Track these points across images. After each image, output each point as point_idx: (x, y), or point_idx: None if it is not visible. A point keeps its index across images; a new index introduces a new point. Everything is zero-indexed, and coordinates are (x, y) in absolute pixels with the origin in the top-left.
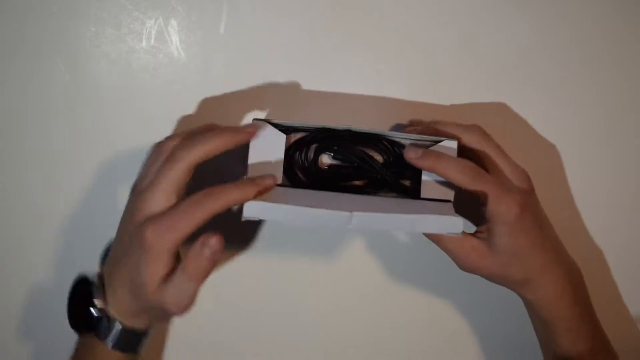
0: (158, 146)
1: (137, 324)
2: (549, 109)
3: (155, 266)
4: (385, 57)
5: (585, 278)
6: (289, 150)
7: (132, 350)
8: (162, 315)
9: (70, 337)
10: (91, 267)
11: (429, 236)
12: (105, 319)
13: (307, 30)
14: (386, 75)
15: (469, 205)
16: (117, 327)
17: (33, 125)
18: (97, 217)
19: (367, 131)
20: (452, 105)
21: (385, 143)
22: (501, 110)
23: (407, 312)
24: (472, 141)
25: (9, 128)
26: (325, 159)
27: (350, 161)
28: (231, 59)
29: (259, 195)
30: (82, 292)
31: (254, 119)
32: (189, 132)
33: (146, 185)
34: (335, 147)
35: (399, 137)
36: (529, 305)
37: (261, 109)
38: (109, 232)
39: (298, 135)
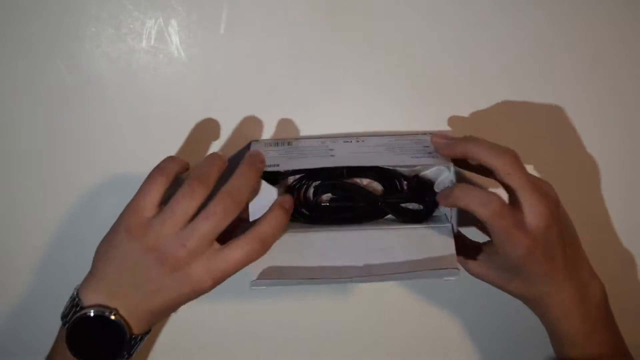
0: (188, 180)
1: (143, 329)
2: (558, 116)
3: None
4: (386, 57)
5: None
6: (291, 190)
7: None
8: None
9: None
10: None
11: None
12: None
13: (307, 30)
14: (386, 75)
15: None
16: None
17: (33, 125)
18: (96, 217)
19: (363, 165)
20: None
21: (381, 173)
22: (504, 111)
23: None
24: (500, 171)
25: (8, 128)
26: (327, 194)
27: (349, 197)
28: (231, 59)
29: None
30: (97, 331)
31: (252, 141)
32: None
33: (189, 235)
34: (331, 184)
35: (393, 165)
36: (539, 316)
37: (261, 110)
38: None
39: (297, 175)
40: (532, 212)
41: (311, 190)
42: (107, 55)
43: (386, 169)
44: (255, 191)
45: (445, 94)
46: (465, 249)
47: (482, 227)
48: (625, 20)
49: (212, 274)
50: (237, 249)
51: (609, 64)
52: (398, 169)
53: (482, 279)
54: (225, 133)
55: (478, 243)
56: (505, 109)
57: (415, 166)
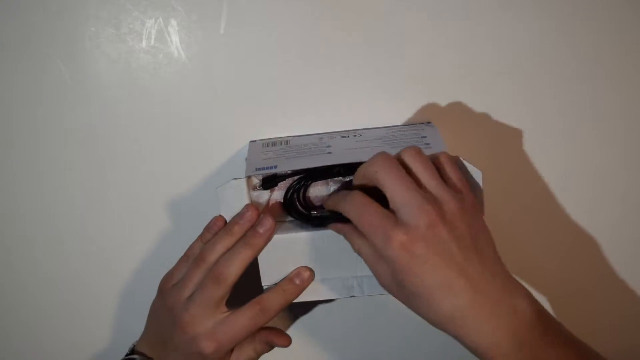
0: (196, 256)
1: None
2: (557, 113)
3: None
4: (386, 57)
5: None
6: (287, 192)
7: None
8: None
9: None
10: (85, 266)
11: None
12: None
13: (307, 30)
14: (387, 75)
15: None
16: None
17: (33, 125)
18: (96, 217)
19: (360, 161)
20: (455, 104)
21: None
22: (503, 109)
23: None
24: (369, 170)
25: (8, 128)
26: (323, 192)
27: None
28: (231, 59)
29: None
30: None
31: (250, 142)
32: (218, 233)
33: (192, 301)
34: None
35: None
36: (464, 345)
37: (261, 109)
38: (107, 233)
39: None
40: (405, 210)
41: (311, 191)
42: (107, 55)
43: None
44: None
45: (444, 92)
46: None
47: None
48: (626, 20)
49: (215, 337)
50: (241, 315)
51: (609, 61)
52: None
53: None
54: (225, 133)
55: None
56: (504, 106)
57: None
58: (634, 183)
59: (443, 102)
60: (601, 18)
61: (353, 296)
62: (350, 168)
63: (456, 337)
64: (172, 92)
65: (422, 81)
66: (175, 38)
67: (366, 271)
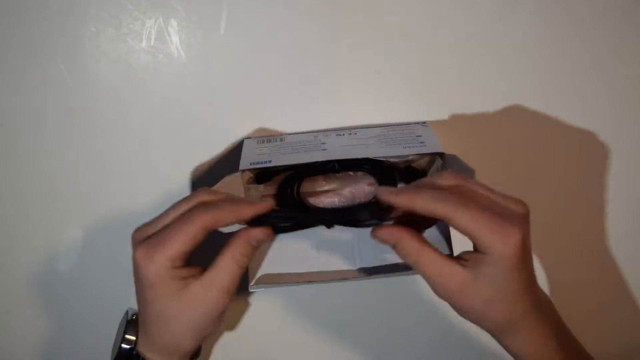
0: (173, 206)
1: None
2: (551, 111)
3: (158, 290)
4: (386, 57)
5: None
6: (280, 187)
7: None
8: (205, 329)
9: None
10: (86, 265)
11: (379, 240)
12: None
13: (307, 30)
14: (387, 75)
15: None
16: None
17: (33, 125)
18: (96, 217)
19: (354, 157)
20: (455, 114)
21: (372, 164)
22: (501, 108)
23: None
24: (448, 184)
25: (8, 128)
26: (316, 188)
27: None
28: (231, 59)
29: (254, 216)
30: (124, 330)
31: (244, 138)
32: (206, 193)
33: (152, 234)
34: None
35: (385, 156)
36: (507, 350)
37: (261, 109)
38: (106, 233)
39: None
40: (508, 200)
41: (304, 186)
42: (107, 55)
43: (378, 160)
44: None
45: (443, 92)
46: (440, 268)
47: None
48: (626, 20)
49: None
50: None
51: (608, 63)
52: (390, 159)
53: (460, 304)
54: (225, 133)
55: (453, 259)
56: (503, 106)
57: (407, 156)
58: (633, 182)
59: (439, 102)
60: (601, 18)
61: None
62: (345, 164)
63: (501, 340)
64: (172, 92)
65: (419, 81)
66: (175, 38)
67: (359, 261)
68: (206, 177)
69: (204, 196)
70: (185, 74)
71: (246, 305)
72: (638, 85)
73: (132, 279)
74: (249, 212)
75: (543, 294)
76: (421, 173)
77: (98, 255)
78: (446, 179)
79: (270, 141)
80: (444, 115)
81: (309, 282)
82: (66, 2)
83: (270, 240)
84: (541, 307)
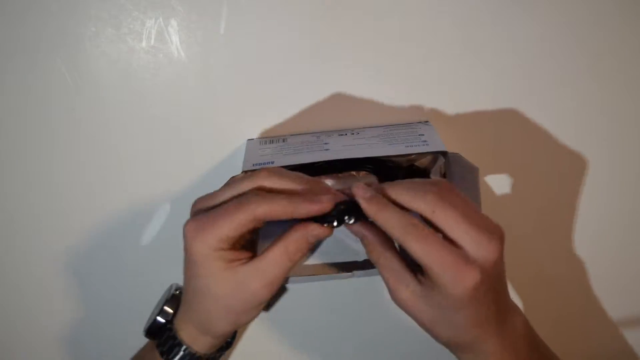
0: (234, 180)
1: (203, 347)
2: (553, 106)
3: (200, 268)
4: (386, 57)
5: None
6: None
7: None
8: (246, 314)
9: None
10: (86, 266)
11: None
12: (170, 337)
13: (308, 30)
14: (387, 75)
15: None
16: (182, 351)
17: (33, 125)
18: (95, 217)
19: (356, 157)
20: (458, 114)
21: (375, 164)
22: (508, 108)
23: None
24: (425, 211)
25: (8, 128)
26: None
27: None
28: (231, 59)
29: (311, 216)
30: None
31: (248, 140)
32: (268, 176)
33: (206, 208)
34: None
35: (387, 156)
36: None
37: (261, 109)
38: (107, 232)
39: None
40: (477, 242)
41: None
42: (107, 55)
43: (381, 159)
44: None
45: (443, 92)
46: (396, 277)
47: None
48: (626, 20)
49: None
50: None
51: (609, 64)
52: (393, 159)
53: (410, 315)
54: (225, 133)
55: (409, 271)
56: (502, 106)
57: (410, 155)
58: (633, 178)
59: (441, 100)
60: (603, 16)
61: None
62: (348, 164)
63: (459, 354)
64: (172, 92)
65: (420, 80)
66: (175, 38)
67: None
68: (208, 178)
69: (265, 180)
70: (185, 74)
71: None
72: (636, 85)
73: (133, 275)
74: (304, 211)
75: (513, 317)
76: (424, 172)
77: (98, 254)
78: (425, 208)
79: (272, 142)
80: (446, 115)
81: (313, 275)
82: (66, 2)
83: (328, 236)
84: (503, 333)
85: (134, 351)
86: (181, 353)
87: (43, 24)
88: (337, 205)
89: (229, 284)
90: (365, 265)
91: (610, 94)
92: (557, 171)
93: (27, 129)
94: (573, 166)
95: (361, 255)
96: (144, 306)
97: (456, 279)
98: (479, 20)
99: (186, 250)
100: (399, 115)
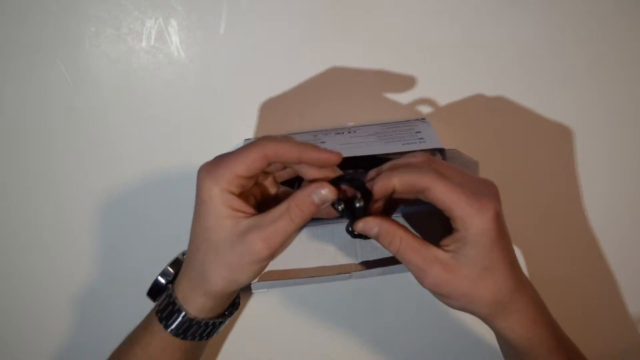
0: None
1: (198, 308)
2: (550, 105)
3: (207, 207)
4: (386, 57)
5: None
6: (283, 183)
7: (195, 338)
8: (242, 270)
9: None
10: (87, 265)
11: (364, 232)
12: (169, 300)
13: (307, 30)
14: (387, 75)
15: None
16: (180, 317)
17: (33, 125)
18: (96, 216)
19: (353, 155)
20: (454, 103)
21: (372, 162)
22: (502, 106)
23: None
24: (420, 160)
25: (8, 128)
26: None
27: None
28: (231, 59)
29: (320, 163)
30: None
31: (245, 140)
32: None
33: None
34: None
35: (384, 154)
36: (500, 334)
37: (261, 109)
38: (109, 231)
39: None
40: (481, 183)
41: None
42: (107, 55)
43: (378, 157)
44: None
45: (444, 92)
46: (424, 255)
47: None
48: (626, 20)
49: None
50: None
51: (608, 63)
52: (390, 157)
53: (447, 290)
54: (225, 133)
55: (434, 246)
56: (502, 106)
57: (407, 153)
58: (629, 177)
59: (438, 98)
60: (601, 16)
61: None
62: (345, 162)
63: (492, 324)
64: (172, 92)
65: (422, 81)
66: (175, 38)
67: (361, 256)
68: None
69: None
70: (185, 74)
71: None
72: (635, 85)
73: (136, 275)
74: (313, 156)
75: (523, 274)
76: None
77: (96, 254)
78: (418, 157)
79: None
80: (443, 112)
81: (312, 277)
82: (66, 2)
83: (334, 199)
84: (525, 286)
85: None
86: (180, 319)
87: (43, 24)
88: (342, 180)
89: (229, 232)
90: (363, 266)
91: (610, 94)
92: (556, 166)
93: (27, 128)
94: (571, 162)
95: (359, 257)
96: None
97: (483, 212)
98: (478, 20)
99: (197, 190)
100: (397, 113)
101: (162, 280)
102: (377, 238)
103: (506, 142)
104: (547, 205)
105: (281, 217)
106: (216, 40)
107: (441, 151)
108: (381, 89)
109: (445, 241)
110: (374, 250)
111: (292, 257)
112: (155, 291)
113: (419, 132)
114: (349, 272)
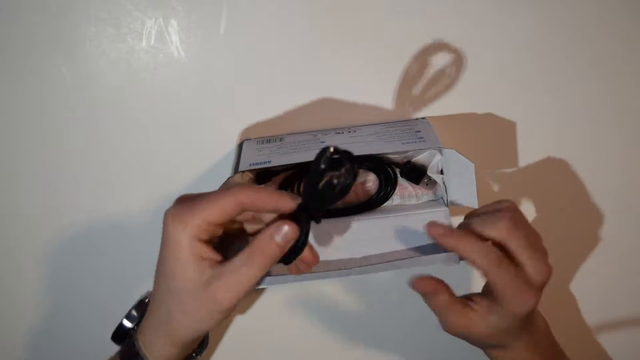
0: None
1: (162, 355)
2: (550, 110)
3: (174, 251)
4: (386, 57)
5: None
6: (280, 187)
7: None
8: (206, 320)
9: None
10: (85, 266)
11: (418, 290)
12: (131, 345)
13: (307, 31)
14: (386, 75)
15: None
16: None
17: (33, 126)
18: (94, 216)
19: (355, 154)
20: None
21: (372, 161)
22: (502, 110)
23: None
24: (497, 236)
25: (8, 128)
26: None
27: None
28: (231, 59)
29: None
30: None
31: (245, 140)
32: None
33: (189, 199)
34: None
35: (384, 153)
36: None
37: (261, 109)
38: (106, 232)
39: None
40: (535, 270)
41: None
42: (107, 55)
43: (378, 157)
44: None
45: (443, 90)
46: (455, 308)
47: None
48: (626, 20)
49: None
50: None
51: (608, 64)
52: (389, 156)
53: (466, 338)
54: (225, 133)
55: (464, 300)
56: (503, 108)
57: (407, 152)
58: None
59: (439, 98)
60: (599, 17)
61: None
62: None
63: (489, 353)
64: (172, 92)
65: (422, 82)
66: (175, 38)
67: (362, 253)
68: (207, 178)
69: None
70: (185, 74)
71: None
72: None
73: (130, 274)
74: (287, 204)
75: (538, 317)
76: (421, 169)
77: (95, 253)
78: (498, 234)
79: (269, 141)
80: (444, 116)
81: (310, 273)
82: (66, 2)
83: (297, 236)
84: (533, 330)
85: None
86: None
87: (43, 24)
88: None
89: (192, 283)
90: (362, 262)
91: (613, 93)
92: (554, 170)
93: (27, 128)
94: (570, 163)
95: (356, 253)
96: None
97: (523, 301)
98: (479, 21)
99: (163, 235)
100: (397, 114)
101: (128, 324)
102: (425, 295)
103: (505, 142)
104: (543, 207)
105: (243, 265)
106: (216, 40)
107: (440, 150)
108: (384, 89)
109: (475, 297)
110: (374, 244)
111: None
112: (119, 334)
113: (419, 131)
114: (349, 268)
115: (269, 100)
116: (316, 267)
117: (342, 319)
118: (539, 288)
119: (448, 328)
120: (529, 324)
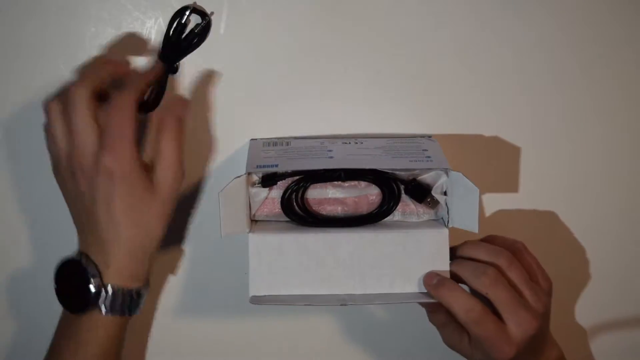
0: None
1: (135, 282)
2: (544, 113)
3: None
4: (386, 58)
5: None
6: (286, 192)
7: (128, 312)
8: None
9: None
10: None
11: (422, 304)
12: (102, 289)
13: (307, 32)
14: (386, 76)
15: None
16: (110, 291)
17: (33, 126)
18: None
19: (360, 167)
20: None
21: (378, 176)
22: (505, 112)
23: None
24: (481, 288)
25: (9, 128)
26: (321, 195)
27: None
28: (231, 59)
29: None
30: (72, 274)
31: (251, 139)
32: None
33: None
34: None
35: (391, 169)
36: None
37: (260, 109)
38: None
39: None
40: (515, 325)
41: (309, 192)
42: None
43: (384, 172)
44: None
45: (446, 94)
46: (449, 326)
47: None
48: (629, 20)
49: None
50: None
51: (612, 64)
52: (396, 172)
53: (462, 354)
54: (226, 133)
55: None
56: (506, 110)
57: (414, 170)
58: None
59: (445, 113)
60: (605, 21)
61: (344, 305)
62: (351, 174)
63: None
64: (171, 92)
65: (423, 83)
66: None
67: (363, 290)
68: (209, 178)
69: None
70: (185, 74)
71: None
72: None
73: None
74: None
75: (550, 350)
76: (426, 188)
77: None
78: (482, 285)
79: (276, 144)
80: (447, 120)
81: (308, 305)
82: (67, 3)
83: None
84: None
85: None
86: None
87: (43, 25)
88: None
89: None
90: (358, 287)
91: (606, 97)
92: (563, 190)
93: (27, 128)
94: (580, 185)
95: (355, 274)
96: None
97: (497, 352)
98: (485, 23)
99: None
100: (402, 128)
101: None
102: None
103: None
104: (548, 228)
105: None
106: (216, 40)
107: (447, 172)
108: (384, 90)
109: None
110: (374, 276)
111: (289, 278)
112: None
113: (426, 149)
114: (345, 303)
115: (269, 100)
116: (312, 299)
117: (343, 320)
118: (519, 342)
119: (445, 342)
120: (533, 355)
